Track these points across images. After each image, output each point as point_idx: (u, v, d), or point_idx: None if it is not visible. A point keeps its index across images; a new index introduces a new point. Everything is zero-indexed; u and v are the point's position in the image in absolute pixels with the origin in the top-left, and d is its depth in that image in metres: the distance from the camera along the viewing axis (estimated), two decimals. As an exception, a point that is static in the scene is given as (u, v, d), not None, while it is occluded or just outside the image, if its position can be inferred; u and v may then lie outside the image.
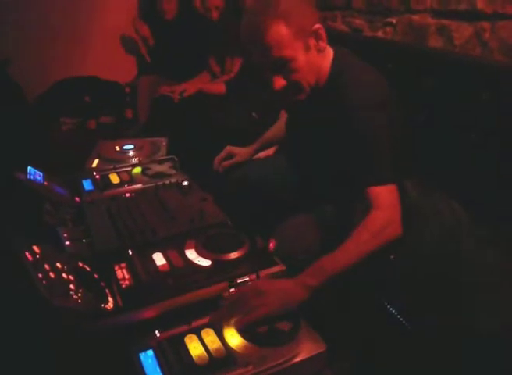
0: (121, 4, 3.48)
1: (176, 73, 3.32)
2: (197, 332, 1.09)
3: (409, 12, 2.38)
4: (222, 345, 1.06)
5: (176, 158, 1.99)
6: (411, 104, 1.64)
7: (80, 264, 1.23)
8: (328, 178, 1.55)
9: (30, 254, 1.09)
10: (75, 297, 1.06)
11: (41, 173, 1.66)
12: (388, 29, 2.56)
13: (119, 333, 1.09)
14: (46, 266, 1.08)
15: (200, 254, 1.32)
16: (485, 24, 1.94)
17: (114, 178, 1.85)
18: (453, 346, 1.24)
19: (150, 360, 1.03)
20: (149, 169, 1.92)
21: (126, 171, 1.92)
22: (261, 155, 2.11)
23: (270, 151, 2.20)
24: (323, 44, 1.40)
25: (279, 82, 1.38)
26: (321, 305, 1.49)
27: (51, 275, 1.06)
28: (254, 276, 1.23)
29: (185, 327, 1.11)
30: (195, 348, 1.05)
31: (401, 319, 1.35)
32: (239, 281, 1.22)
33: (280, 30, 1.30)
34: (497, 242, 1.55)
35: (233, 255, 1.31)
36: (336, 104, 1.40)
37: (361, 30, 2.79)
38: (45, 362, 1.05)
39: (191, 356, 1.03)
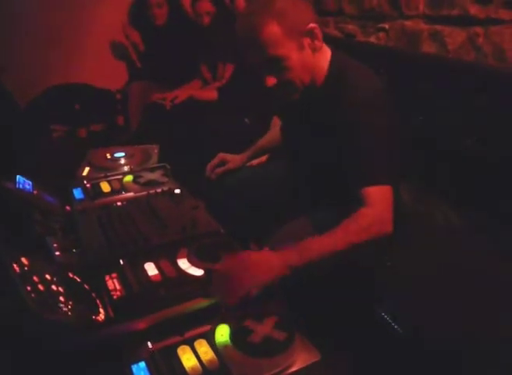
0: (111, 10, 3.46)
1: (167, 80, 3.31)
2: (190, 343, 1.08)
3: (401, 18, 2.39)
4: (215, 356, 1.05)
5: (168, 166, 1.97)
6: (405, 109, 1.63)
7: (70, 275, 1.22)
8: (324, 181, 1.54)
9: (17, 266, 1.06)
10: (65, 309, 1.04)
11: (30, 182, 1.64)
12: (381, 34, 2.57)
13: (110, 345, 1.08)
14: (35, 278, 1.06)
15: (193, 263, 1.31)
16: (479, 29, 1.95)
17: (105, 186, 1.83)
18: (447, 351, 1.24)
19: (142, 372, 1.02)
20: (141, 177, 1.91)
21: (118, 179, 1.90)
22: (254, 162, 2.10)
23: (263, 158, 2.19)
24: (319, 43, 1.41)
25: (271, 80, 1.40)
26: (315, 312, 1.48)
27: (40, 287, 1.04)
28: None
29: (178, 338, 1.10)
30: (188, 360, 1.04)
31: (394, 324, 1.34)
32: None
33: (273, 30, 1.32)
34: (492, 246, 1.55)
35: (226, 265, 1.29)
36: (335, 103, 1.40)
37: (354, 35, 2.80)
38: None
39: (184, 368, 1.02)
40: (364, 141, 1.36)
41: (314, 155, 1.52)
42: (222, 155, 2.00)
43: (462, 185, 1.70)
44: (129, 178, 1.90)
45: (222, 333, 1.11)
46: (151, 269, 1.30)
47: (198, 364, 1.03)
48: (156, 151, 2.24)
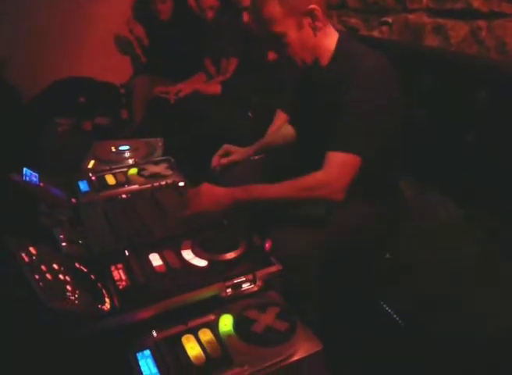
0: (115, 5, 3.47)
1: (171, 74, 3.31)
2: (194, 332, 1.10)
3: (405, 11, 2.39)
4: (218, 345, 1.06)
5: (172, 159, 1.98)
6: (407, 103, 1.64)
7: (77, 265, 1.23)
8: None
9: (26, 255, 1.08)
10: (72, 298, 1.06)
11: (37, 175, 1.65)
12: (384, 28, 2.56)
13: (116, 334, 1.09)
14: (43, 268, 1.08)
15: (197, 254, 1.32)
16: (481, 23, 1.95)
17: (110, 179, 1.85)
18: (448, 345, 1.25)
19: (147, 360, 1.04)
20: (145, 169, 1.92)
21: (122, 172, 1.91)
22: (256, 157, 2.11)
23: None
24: (319, 23, 1.46)
25: (272, 55, 1.57)
26: (317, 305, 1.50)
27: (48, 276, 1.06)
28: (250, 276, 1.23)
29: (182, 327, 1.11)
30: (192, 348, 1.05)
31: (397, 317, 1.36)
32: (235, 281, 1.22)
33: (274, 8, 1.41)
34: (492, 240, 1.56)
35: (230, 256, 1.31)
36: (339, 82, 1.45)
37: (357, 29, 2.80)
38: (43, 363, 1.05)
39: (188, 356, 1.04)
40: (352, 112, 1.41)
41: (320, 139, 1.52)
42: (227, 146, 2.01)
43: (464, 181, 1.70)
44: (133, 171, 1.91)
45: (226, 322, 1.13)
46: (155, 259, 1.31)
47: (202, 353, 1.04)
48: (160, 144, 2.26)
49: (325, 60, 1.53)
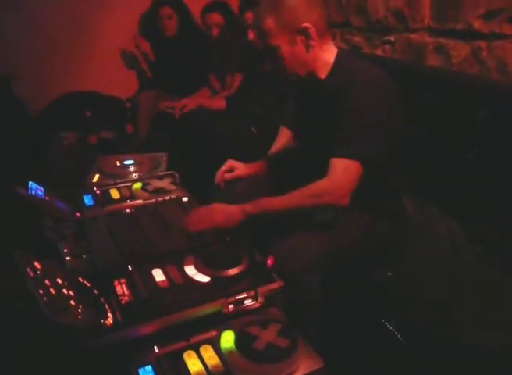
0: (122, 20, 3.51)
1: (176, 89, 3.34)
2: (195, 348, 1.10)
3: (407, 31, 2.41)
4: (220, 362, 1.07)
5: (176, 174, 2.00)
6: (409, 121, 1.66)
7: (80, 280, 1.24)
8: None
9: (31, 269, 1.09)
10: (75, 313, 1.07)
11: (42, 188, 1.67)
12: (386, 47, 2.59)
13: (118, 349, 1.09)
14: (47, 282, 1.09)
15: (199, 270, 1.33)
16: (482, 43, 1.97)
17: (114, 193, 1.86)
18: (448, 361, 1.25)
19: (148, 376, 1.04)
20: (149, 184, 1.93)
21: (127, 186, 1.92)
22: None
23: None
24: (312, 42, 1.53)
25: (267, 65, 1.71)
26: (320, 322, 1.50)
27: (52, 291, 1.07)
28: (252, 292, 1.24)
29: (184, 343, 1.12)
30: (193, 365, 1.06)
31: (398, 334, 1.36)
32: (237, 298, 1.22)
33: (269, 22, 1.51)
34: (492, 255, 1.57)
35: (232, 272, 1.32)
36: (339, 91, 1.49)
37: (360, 47, 2.83)
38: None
39: (189, 372, 1.04)
40: (352, 119, 1.46)
41: (326, 149, 1.55)
42: (230, 162, 2.02)
43: (464, 197, 1.71)
44: (138, 185, 1.93)
45: (227, 339, 1.13)
46: (158, 275, 1.32)
47: (203, 369, 1.05)
48: (164, 159, 2.27)
49: (323, 73, 1.59)
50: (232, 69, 3.16)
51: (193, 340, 1.13)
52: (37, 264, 1.13)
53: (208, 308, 1.20)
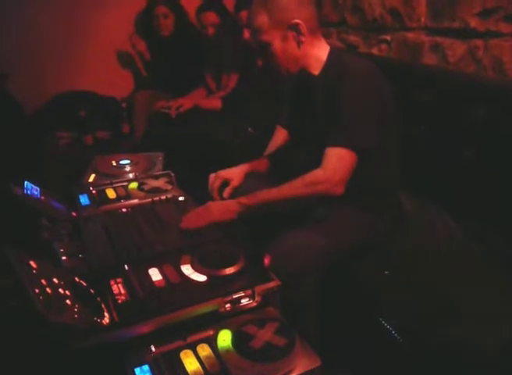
0: (118, 19, 3.50)
1: (172, 89, 3.34)
2: (192, 347, 1.10)
3: (403, 30, 2.41)
4: (217, 361, 1.06)
5: (172, 174, 2.00)
6: (406, 120, 1.66)
7: (77, 279, 1.24)
8: None
9: (27, 269, 1.09)
10: (71, 312, 1.06)
11: (38, 188, 1.66)
12: (383, 46, 2.59)
13: (114, 348, 1.09)
14: (43, 282, 1.08)
15: (196, 269, 1.33)
16: (479, 42, 1.97)
17: (110, 193, 1.86)
18: (450, 362, 1.25)
19: (145, 375, 1.03)
20: (145, 184, 1.93)
21: (123, 186, 1.92)
22: None
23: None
24: (303, 38, 1.56)
25: (260, 61, 1.68)
26: (318, 322, 1.50)
27: (48, 290, 1.06)
28: (249, 291, 1.24)
29: (181, 343, 1.12)
30: (190, 364, 1.06)
31: (395, 333, 1.35)
32: (234, 297, 1.22)
33: (262, 19, 1.55)
34: (488, 254, 1.57)
35: (229, 271, 1.31)
36: (332, 84, 1.52)
37: (356, 46, 2.83)
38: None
39: (186, 371, 1.04)
40: (345, 109, 1.48)
41: (321, 143, 1.54)
42: (222, 175, 1.86)
43: (462, 196, 1.71)
44: (134, 185, 1.93)
45: (224, 338, 1.13)
46: (154, 274, 1.32)
47: (200, 368, 1.05)
48: (160, 158, 2.27)
49: (316, 70, 1.61)
50: (228, 68, 3.15)
51: (190, 339, 1.12)
52: (32, 263, 1.12)
53: (205, 308, 1.20)
